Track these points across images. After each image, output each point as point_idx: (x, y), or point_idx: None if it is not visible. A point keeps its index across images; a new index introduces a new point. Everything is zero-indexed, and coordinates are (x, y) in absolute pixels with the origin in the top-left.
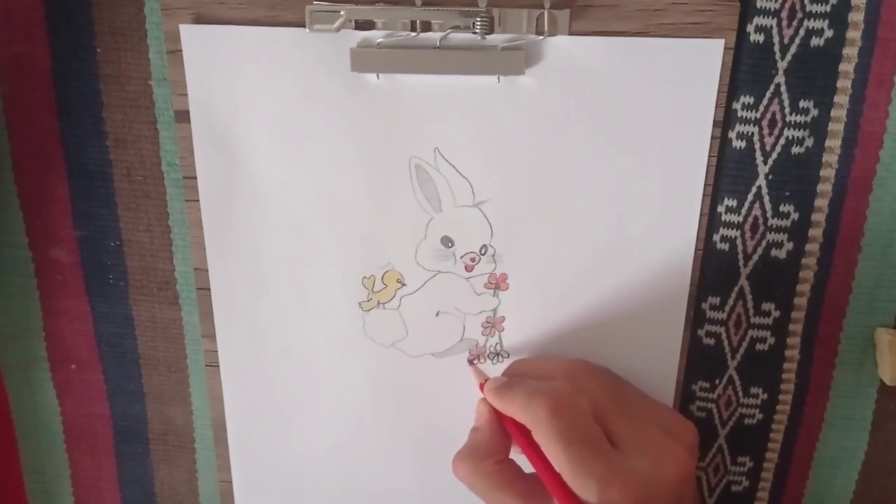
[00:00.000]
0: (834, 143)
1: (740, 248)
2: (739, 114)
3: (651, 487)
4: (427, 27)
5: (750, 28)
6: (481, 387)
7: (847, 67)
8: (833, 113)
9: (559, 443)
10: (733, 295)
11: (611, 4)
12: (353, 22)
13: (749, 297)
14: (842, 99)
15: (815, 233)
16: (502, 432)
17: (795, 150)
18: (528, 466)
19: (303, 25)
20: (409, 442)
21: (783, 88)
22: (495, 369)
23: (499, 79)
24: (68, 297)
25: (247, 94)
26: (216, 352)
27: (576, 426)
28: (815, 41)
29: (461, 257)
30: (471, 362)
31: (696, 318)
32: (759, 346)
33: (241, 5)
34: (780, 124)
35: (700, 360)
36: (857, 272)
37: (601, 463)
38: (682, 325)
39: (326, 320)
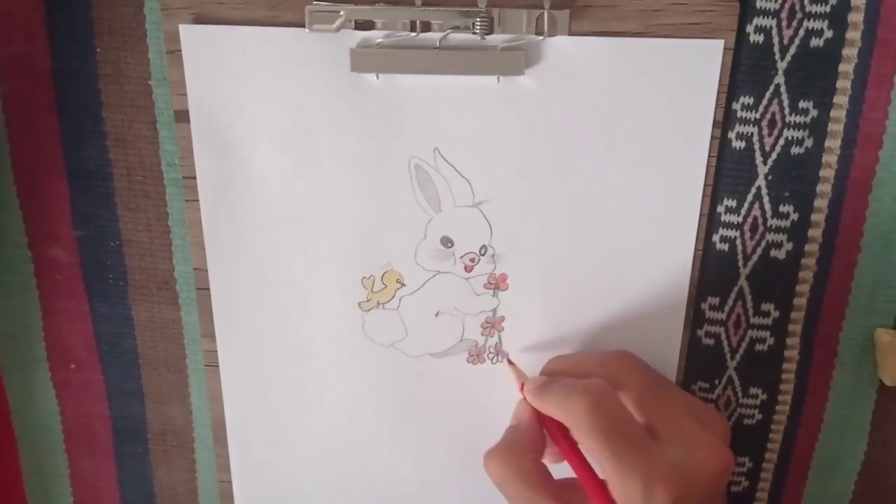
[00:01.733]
0: (833, 143)
1: (740, 248)
2: (739, 114)
3: (691, 479)
4: (427, 27)
5: (749, 28)
6: (521, 388)
7: (846, 68)
8: (833, 113)
9: (599, 439)
10: (733, 295)
11: (610, 5)
12: (353, 22)
13: (748, 297)
14: (841, 99)
15: (815, 233)
16: (540, 432)
17: (795, 150)
18: (559, 475)
19: (302, 25)
20: (408, 442)
21: (783, 89)
22: (495, 369)
23: (498, 79)
24: (68, 297)
25: (246, 94)
26: (216, 352)
27: (614, 421)
28: (815, 42)
29: (461, 257)
30: (510, 362)
31: (695, 318)
32: (758, 347)
33: (240, 5)
34: (779, 125)
35: (699, 361)
36: (857, 273)
37: (643, 457)
38: (682, 325)
39: (326, 320)
